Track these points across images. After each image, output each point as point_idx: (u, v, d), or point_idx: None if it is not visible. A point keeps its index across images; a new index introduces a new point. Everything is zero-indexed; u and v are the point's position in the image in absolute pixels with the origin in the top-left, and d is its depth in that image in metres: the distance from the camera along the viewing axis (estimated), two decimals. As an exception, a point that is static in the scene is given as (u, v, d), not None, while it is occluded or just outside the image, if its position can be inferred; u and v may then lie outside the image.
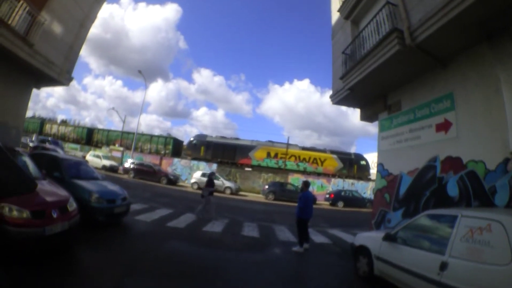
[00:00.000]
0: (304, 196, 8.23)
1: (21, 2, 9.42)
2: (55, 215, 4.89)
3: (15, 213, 4.34)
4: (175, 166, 33.31)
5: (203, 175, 26.34)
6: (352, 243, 6.76)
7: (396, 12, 7.33)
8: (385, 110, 9.83)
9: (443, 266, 3.95)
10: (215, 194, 12.80)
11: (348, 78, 9.62)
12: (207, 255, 6.56)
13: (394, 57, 7.23)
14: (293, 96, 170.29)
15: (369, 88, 9.64)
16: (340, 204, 25.10)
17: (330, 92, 11.98)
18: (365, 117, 11.68)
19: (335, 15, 11.96)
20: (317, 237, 9.84)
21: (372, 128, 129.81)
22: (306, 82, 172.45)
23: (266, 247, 7.94)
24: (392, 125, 9.34)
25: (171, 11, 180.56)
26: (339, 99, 11.13)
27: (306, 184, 8.63)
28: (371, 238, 6.18)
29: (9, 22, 9.20)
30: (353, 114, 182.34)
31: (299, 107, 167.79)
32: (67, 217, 5.18)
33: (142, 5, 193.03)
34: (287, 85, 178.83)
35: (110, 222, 7.54)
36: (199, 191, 23.25)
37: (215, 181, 24.93)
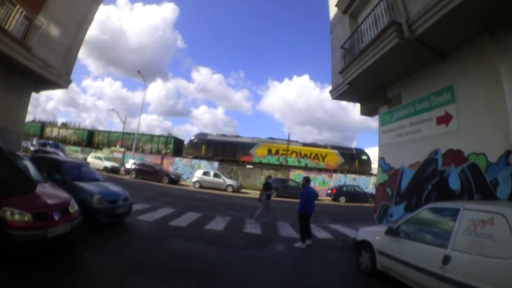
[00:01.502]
0: (306, 192, 8.21)
1: (17, 7, 9.35)
2: (56, 217, 4.94)
3: (16, 216, 4.39)
4: (177, 165, 33.48)
5: (205, 173, 26.52)
6: (355, 238, 6.77)
7: (394, 5, 7.23)
8: (385, 104, 9.77)
9: (446, 259, 3.93)
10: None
11: (347, 72, 9.56)
12: (210, 253, 6.60)
13: (393, 50, 7.16)
14: (293, 92, 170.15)
15: (369, 82, 9.59)
16: (342, 199, 25.16)
17: (330, 87, 11.92)
18: (366, 111, 11.62)
19: (333, 10, 11.87)
20: (319, 233, 9.84)
21: (373, 122, 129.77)
22: (305, 78, 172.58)
23: (268, 244, 7.97)
24: (393, 119, 9.29)
25: (168, 10, 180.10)
26: (338, 94, 11.08)
27: (307, 180, 8.63)
28: (373, 233, 6.16)
29: (6, 27, 9.15)
30: (354, 109, 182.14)
31: (299, 103, 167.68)
32: (69, 219, 5.23)
33: (138, 5, 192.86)
34: (286, 81, 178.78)
35: (112, 223, 7.58)
36: (201, 190, 23.75)
37: (217, 179, 25.37)
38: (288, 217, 12.62)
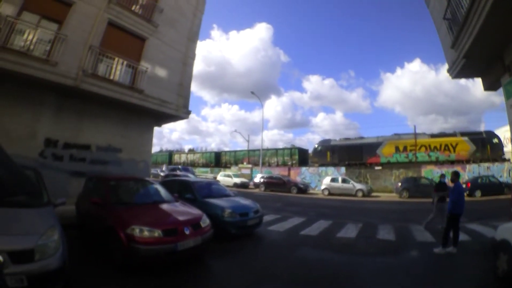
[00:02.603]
0: (457, 188, 7.21)
1: (116, 59, 10.74)
2: (187, 232, 5.43)
3: (146, 233, 5.01)
4: (304, 174, 34.13)
5: (333, 180, 26.29)
6: (493, 237, 5.77)
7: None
8: (506, 72, 7.98)
9: None
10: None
11: (459, 45, 8.32)
12: (340, 261, 6.45)
13: (494, 6, 5.90)
14: (408, 81, 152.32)
15: (485, 50, 7.99)
16: (478, 194, 21.01)
17: (444, 68, 10.63)
18: (488, 85, 9.71)
19: (420, -20, 10.59)
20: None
21: (498, 97, 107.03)
22: (417, 63, 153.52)
23: (402, 251, 7.33)
24: (517, 88, 7.47)
25: (262, 30, 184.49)
26: (457, 71, 9.56)
27: (457, 174, 7.64)
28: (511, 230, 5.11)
29: (111, 77, 10.60)
30: (474, 87, 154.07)
31: (417, 91, 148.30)
32: (200, 233, 5.71)
33: (233, 33, 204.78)
34: (399, 70, 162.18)
35: (243, 234, 7.97)
36: (330, 197, 23.29)
37: (346, 185, 24.77)
38: (424, 219, 10.90)
